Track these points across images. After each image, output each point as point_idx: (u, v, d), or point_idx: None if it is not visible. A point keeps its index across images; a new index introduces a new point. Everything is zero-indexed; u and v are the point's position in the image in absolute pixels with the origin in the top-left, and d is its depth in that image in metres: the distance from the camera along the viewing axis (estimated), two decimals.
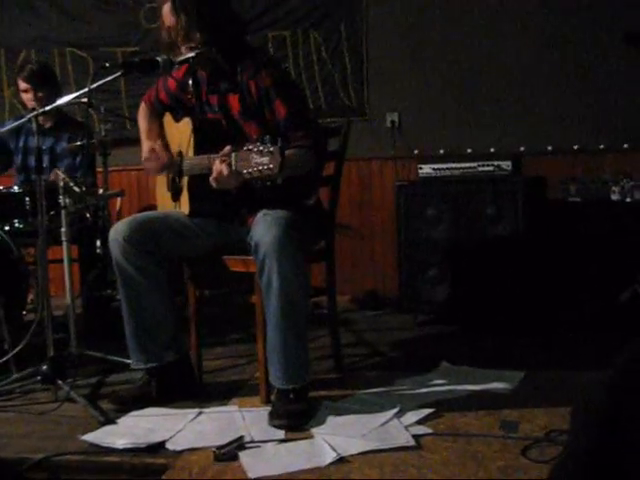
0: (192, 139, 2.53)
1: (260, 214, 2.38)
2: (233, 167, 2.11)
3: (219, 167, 2.20)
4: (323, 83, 4.79)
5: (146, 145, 2.79)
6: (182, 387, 2.63)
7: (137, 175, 4.97)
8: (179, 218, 2.61)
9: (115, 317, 3.20)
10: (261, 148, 2.00)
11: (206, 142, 2.43)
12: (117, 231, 2.52)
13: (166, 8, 2.45)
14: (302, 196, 2.62)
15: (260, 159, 2.00)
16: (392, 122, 4.70)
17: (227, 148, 2.19)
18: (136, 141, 3.79)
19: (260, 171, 2.00)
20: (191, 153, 2.54)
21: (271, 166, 1.98)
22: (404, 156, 4.61)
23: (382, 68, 4.70)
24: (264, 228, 2.30)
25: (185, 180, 2.59)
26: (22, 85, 3.85)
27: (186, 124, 2.59)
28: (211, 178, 2.25)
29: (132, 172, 4.96)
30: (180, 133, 2.67)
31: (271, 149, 1.99)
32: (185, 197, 2.59)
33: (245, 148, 2.05)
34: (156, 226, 2.55)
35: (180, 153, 2.67)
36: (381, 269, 4.68)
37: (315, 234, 2.66)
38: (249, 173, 2.03)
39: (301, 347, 2.36)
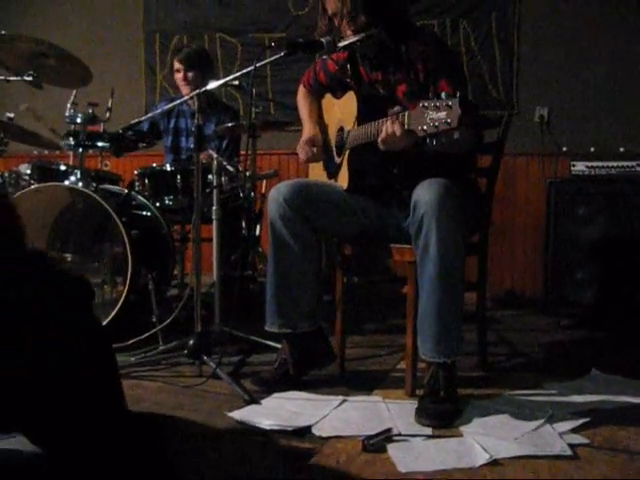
0: (357, 110, 2.48)
1: None
2: (406, 126, 2.04)
3: (390, 127, 2.13)
4: (471, 74, 4.65)
5: (307, 127, 2.79)
6: (317, 359, 2.61)
7: (279, 158, 5.01)
8: (338, 191, 2.57)
9: (254, 299, 3.24)
10: (437, 104, 1.91)
11: (370, 114, 2.36)
12: (279, 191, 2.48)
13: None
14: (461, 172, 2.52)
15: (437, 114, 1.90)
16: (541, 117, 4.52)
17: (397, 107, 2.12)
18: (282, 124, 3.84)
19: (436, 127, 1.90)
20: (355, 125, 2.49)
21: (449, 120, 1.88)
22: (552, 153, 4.42)
23: (532, 60, 4.53)
24: (424, 187, 2.22)
25: (345, 154, 2.55)
26: (176, 65, 3.96)
27: (350, 97, 2.55)
28: (380, 139, 2.18)
29: (274, 155, 5.01)
30: (341, 108, 2.64)
31: (449, 103, 1.89)
32: (344, 171, 2.55)
33: (420, 105, 1.95)
34: (317, 193, 2.52)
35: (341, 128, 2.64)
36: (521, 268, 4.51)
37: (473, 222, 2.56)
38: (423, 130, 1.94)
39: (456, 317, 2.26)
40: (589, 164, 3.68)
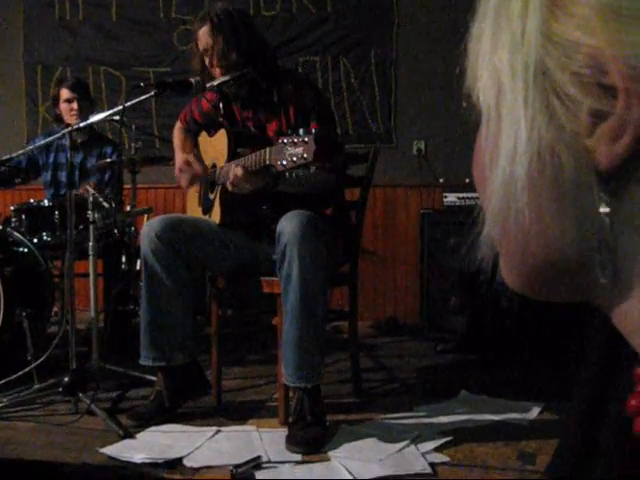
0: (227, 147, 2.57)
1: None
2: (267, 161, 2.13)
3: (234, 170, 2.24)
4: (351, 109, 4.83)
5: (180, 157, 2.82)
6: (192, 390, 2.65)
7: (164, 193, 5.02)
8: (211, 226, 2.63)
9: (136, 333, 3.23)
10: (295, 140, 2.01)
11: (240, 152, 2.47)
12: (151, 226, 2.53)
13: (204, 30, 2.51)
14: (326, 206, 2.64)
15: (294, 150, 2.00)
16: (419, 150, 4.72)
17: (248, 151, 2.23)
18: (164, 159, 3.87)
19: (294, 162, 2.00)
20: (225, 162, 2.57)
21: (305, 155, 1.98)
22: (429, 184, 4.63)
23: (410, 96, 4.73)
24: (288, 219, 2.32)
25: (218, 190, 2.63)
26: (66, 94, 3.83)
27: (221, 135, 2.64)
28: (228, 183, 2.28)
29: (159, 190, 5.02)
30: (214, 146, 2.72)
31: (305, 139, 1.99)
32: (217, 207, 2.62)
33: (280, 141, 2.05)
34: (189, 228, 2.57)
35: (214, 165, 2.71)
36: (402, 296, 4.68)
37: (340, 256, 2.67)
38: (282, 165, 2.03)
39: (317, 344, 2.35)
40: (460, 195, 3.89)
